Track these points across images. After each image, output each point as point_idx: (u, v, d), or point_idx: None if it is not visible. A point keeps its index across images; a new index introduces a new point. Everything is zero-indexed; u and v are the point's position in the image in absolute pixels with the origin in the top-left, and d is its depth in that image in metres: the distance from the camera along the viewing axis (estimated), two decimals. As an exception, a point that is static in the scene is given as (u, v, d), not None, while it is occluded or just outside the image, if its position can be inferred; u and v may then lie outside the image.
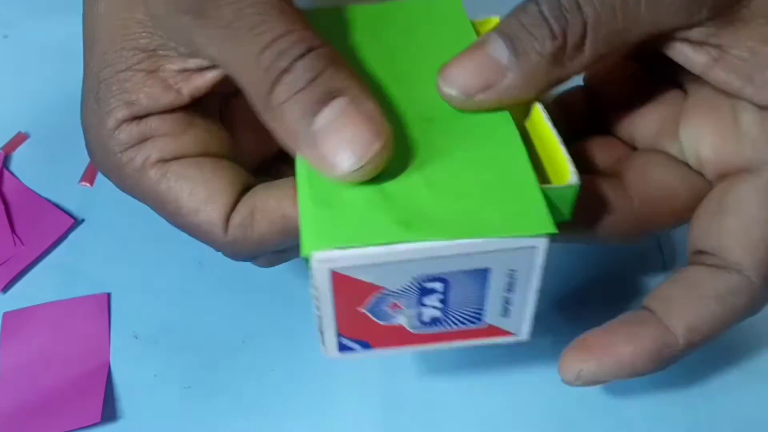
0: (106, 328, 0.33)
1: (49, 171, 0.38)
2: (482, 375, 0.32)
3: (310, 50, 0.23)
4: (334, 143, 0.22)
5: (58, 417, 0.30)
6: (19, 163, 0.38)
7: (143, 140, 0.26)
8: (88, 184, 0.37)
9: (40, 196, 0.37)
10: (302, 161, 0.24)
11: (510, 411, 0.31)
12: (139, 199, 0.27)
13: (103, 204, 0.37)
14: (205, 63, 0.25)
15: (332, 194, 0.22)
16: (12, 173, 0.38)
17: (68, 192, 0.37)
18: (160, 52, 0.25)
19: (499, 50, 0.24)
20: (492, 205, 0.22)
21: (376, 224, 0.22)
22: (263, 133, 0.26)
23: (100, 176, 0.37)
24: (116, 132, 0.26)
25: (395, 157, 0.23)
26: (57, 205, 0.36)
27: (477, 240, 0.21)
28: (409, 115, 0.25)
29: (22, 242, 0.35)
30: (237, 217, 0.26)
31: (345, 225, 0.22)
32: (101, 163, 0.27)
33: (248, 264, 0.32)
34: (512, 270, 0.23)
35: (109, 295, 0.34)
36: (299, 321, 0.33)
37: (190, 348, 0.32)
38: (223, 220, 0.26)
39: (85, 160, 0.38)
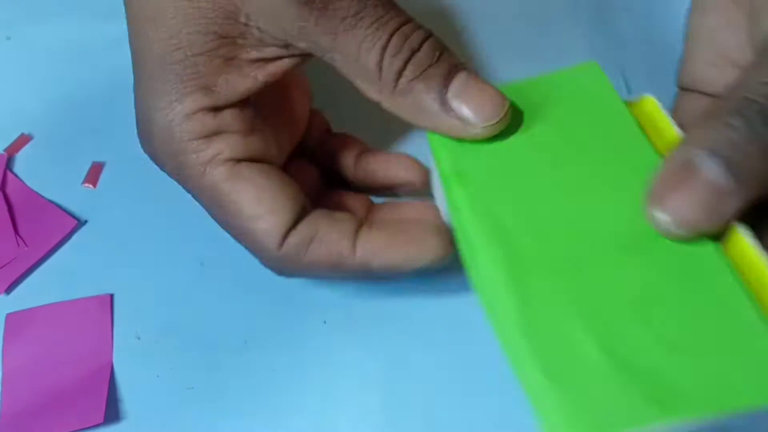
0: (109, 329, 0.33)
1: (52, 172, 0.38)
2: (486, 373, 0.32)
3: (431, 34, 0.26)
4: (470, 105, 0.25)
5: (62, 418, 0.30)
6: (22, 164, 0.39)
7: (216, 134, 0.26)
8: (91, 186, 0.37)
9: (43, 197, 0.37)
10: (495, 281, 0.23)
11: (511, 408, 0.31)
12: (189, 190, 0.28)
13: (106, 205, 0.37)
14: (280, 52, 0.26)
15: (563, 364, 0.22)
16: (15, 175, 0.38)
17: (71, 193, 0.37)
18: (239, 41, 0.26)
19: (716, 173, 0.22)
20: (732, 367, 0.21)
21: (627, 405, 0.21)
22: (284, 133, 0.27)
23: (103, 177, 0.37)
24: (190, 119, 0.26)
25: (609, 300, 0.22)
26: (60, 207, 0.36)
27: (727, 410, 0.21)
28: (596, 241, 0.23)
29: (25, 243, 0.35)
30: (295, 238, 0.26)
31: (593, 407, 0.21)
32: (159, 147, 0.27)
33: (251, 265, 0.31)
34: (757, 418, 0.22)
35: (111, 296, 0.34)
36: (302, 321, 0.33)
37: (192, 349, 0.32)
38: (281, 234, 0.26)
39: (88, 161, 0.38)
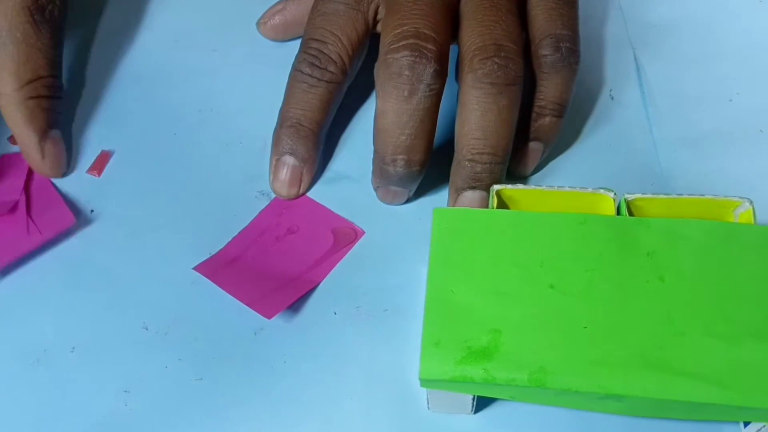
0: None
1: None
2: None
3: None
4: None
5: (244, 289, 0.32)
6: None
7: None
8: (96, 174, 0.37)
9: (56, 188, 0.36)
10: None
11: (520, 409, 0.31)
12: None
13: (113, 194, 0.36)
14: None
15: None
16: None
17: (77, 182, 0.37)
18: None
19: None
20: None
21: None
22: None
23: (108, 167, 0.37)
24: None
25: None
26: (65, 196, 0.36)
27: None
28: None
29: (39, 231, 0.34)
30: None
31: None
32: None
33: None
34: None
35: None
36: (311, 313, 0.33)
37: (201, 339, 0.32)
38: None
39: (95, 150, 0.37)
